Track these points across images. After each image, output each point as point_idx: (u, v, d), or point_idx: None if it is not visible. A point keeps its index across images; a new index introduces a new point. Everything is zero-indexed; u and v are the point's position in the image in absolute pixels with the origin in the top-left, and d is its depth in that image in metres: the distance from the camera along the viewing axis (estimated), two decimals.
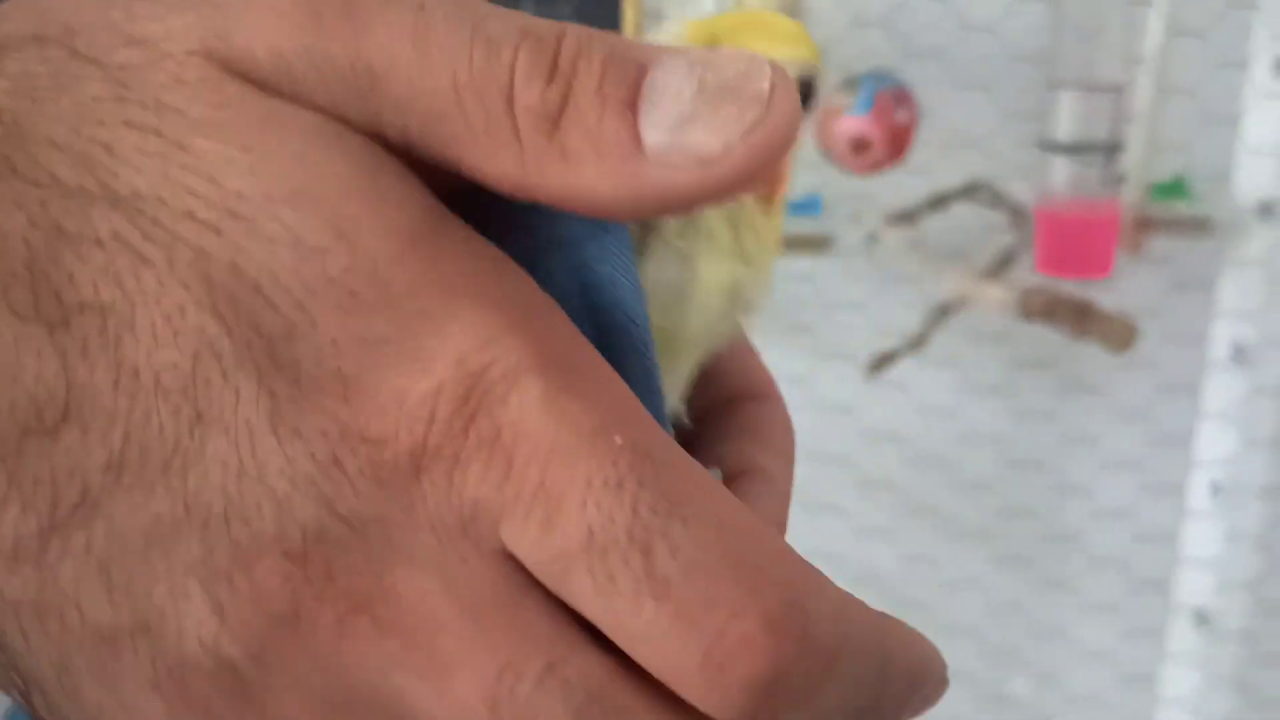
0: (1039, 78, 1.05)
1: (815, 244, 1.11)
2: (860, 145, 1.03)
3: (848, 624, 0.19)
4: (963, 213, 1.11)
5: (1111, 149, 0.98)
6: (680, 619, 0.18)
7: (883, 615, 0.21)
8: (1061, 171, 0.99)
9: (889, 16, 1.10)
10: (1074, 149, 0.98)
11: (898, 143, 1.04)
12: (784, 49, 0.26)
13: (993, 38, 1.10)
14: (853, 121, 1.03)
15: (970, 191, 1.09)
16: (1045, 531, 1.27)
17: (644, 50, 0.20)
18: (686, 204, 0.20)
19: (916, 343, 1.13)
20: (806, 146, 1.07)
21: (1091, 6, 0.99)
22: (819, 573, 0.20)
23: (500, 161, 0.19)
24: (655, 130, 0.19)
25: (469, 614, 0.18)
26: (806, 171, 1.10)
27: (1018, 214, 1.07)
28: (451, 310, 0.18)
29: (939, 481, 1.25)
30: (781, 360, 1.25)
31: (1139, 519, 1.25)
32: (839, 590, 0.20)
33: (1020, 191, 1.06)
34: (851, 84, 1.05)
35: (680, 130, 0.19)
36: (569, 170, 0.19)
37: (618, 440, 0.18)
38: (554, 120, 0.19)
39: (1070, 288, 1.02)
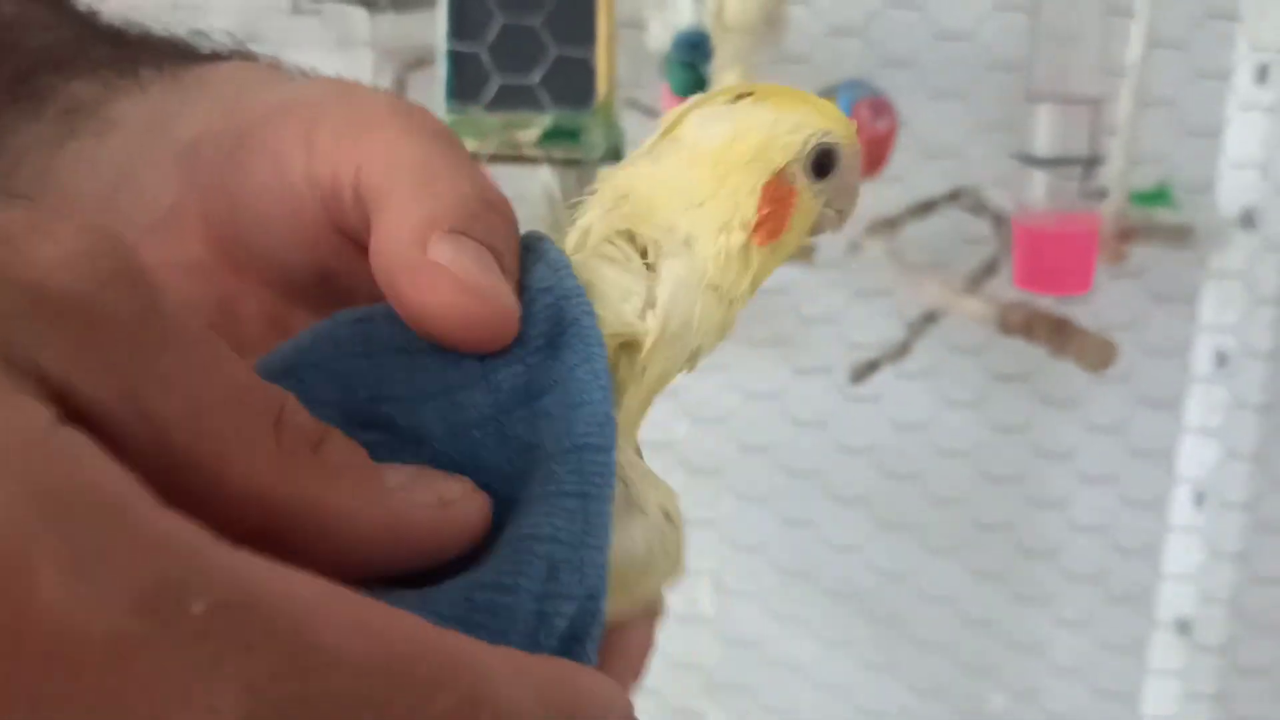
0: (1017, 87, 1.04)
1: (798, 253, 1.09)
2: None
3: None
4: (943, 222, 1.10)
5: (1090, 162, 0.97)
6: None
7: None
8: (1039, 185, 0.97)
9: (866, 25, 1.09)
10: (1052, 163, 0.97)
11: (876, 153, 1.02)
12: (814, 115, 0.28)
13: (969, 46, 1.09)
14: None
15: (954, 198, 1.08)
16: (1022, 545, 1.26)
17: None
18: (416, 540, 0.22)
19: (900, 352, 1.12)
20: None
21: (1069, 17, 0.98)
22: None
23: (257, 471, 0.20)
24: (392, 476, 0.23)
25: None
26: None
27: (1001, 221, 1.05)
28: None
29: (915, 495, 1.23)
30: (757, 373, 1.24)
31: (1117, 533, 1.24)
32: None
33: (1003, 199, 1.05)
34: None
35: (414, 484, 0.23)
36: (325, 485, 0.21)
37: None
38: (316, 443, 0.21)
39: (1049, 302, 1.00)
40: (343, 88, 0.30)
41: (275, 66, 0.33)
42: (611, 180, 0.28)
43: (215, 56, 0.34)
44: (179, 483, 0.19)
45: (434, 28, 0.93)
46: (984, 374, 1.20)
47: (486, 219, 0.26)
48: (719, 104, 0.28)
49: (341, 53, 1.07)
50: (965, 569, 1.26)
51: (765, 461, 1.23)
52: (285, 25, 1.05)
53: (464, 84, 0.94)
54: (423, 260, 0.25)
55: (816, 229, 0.30)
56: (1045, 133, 0.97)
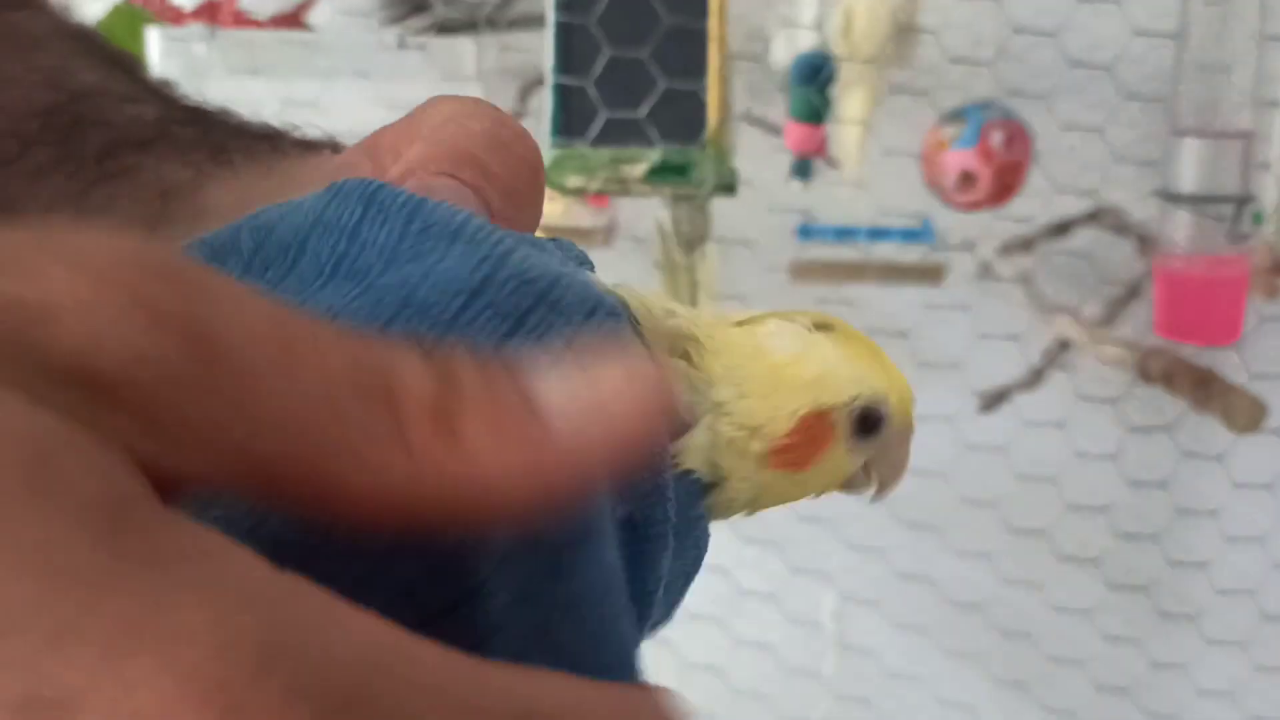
0: (1159, 120, 0.98)
1: (925, 273, 1.04)
2: (966, 179, 0.96)
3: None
4: (1079, 255, 1.04)
5: (1241, 202, 0.90)
6: None
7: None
8: (1184, 225, 0.91)
9: (996, 53, 1.03)
10: (1198, 201, 0.90)
11: (1007, 179, 0.97)
12: (876, 376, 0.28)
13: (1107, 76, 1.03)
14: (958, 156, 0.96)
15: (1094, 218, 1.02)
16: (1161, 609, 1.19)
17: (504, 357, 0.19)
18: (591, 482, 0.18)
19: (1032, 380, 1.07)
20: (915, 178, 1.01)
21: (1219, 46, 0.91)
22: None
23: (379, 467, 0.17)
24: (557, 414, 0.18)
25: None
26: (918, 198, 1.03)
27: (1145, 242, 0.99)
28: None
29: (1043, 553, 1.17)
30: None
31: (1265, 598, 1.16)
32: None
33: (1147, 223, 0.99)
34: (959, 115, 0.98)
35: (581, 413, 0.18)
36: (473, 466, 0.17)
37: None
38: (451, 414, 0.17)
39: (1194, 350, 0.93)
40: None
41: (368, 153, 0.32)
42: (687, 316, 0.28)
43: (306, 146, 0.33)
44: (296, 500, 0.16)
45: (541, 48, 0.91)
46: (1120, 424, 1.13)
47: (485, 159, 0.25)
48: (799, 324, 0.29)
49: (449, 85, 1.06)
50: (1098, 632, 1.19)
51: (881, 513, 1.18)
52: (392, 60, 1.04)
53: (570, 119, 0.92)
54: None
55: (848, 489, 0.30)
56: (1191, 169, 0.90)
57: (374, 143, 0.28)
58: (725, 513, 0.28)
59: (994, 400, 1.09)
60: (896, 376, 0.29)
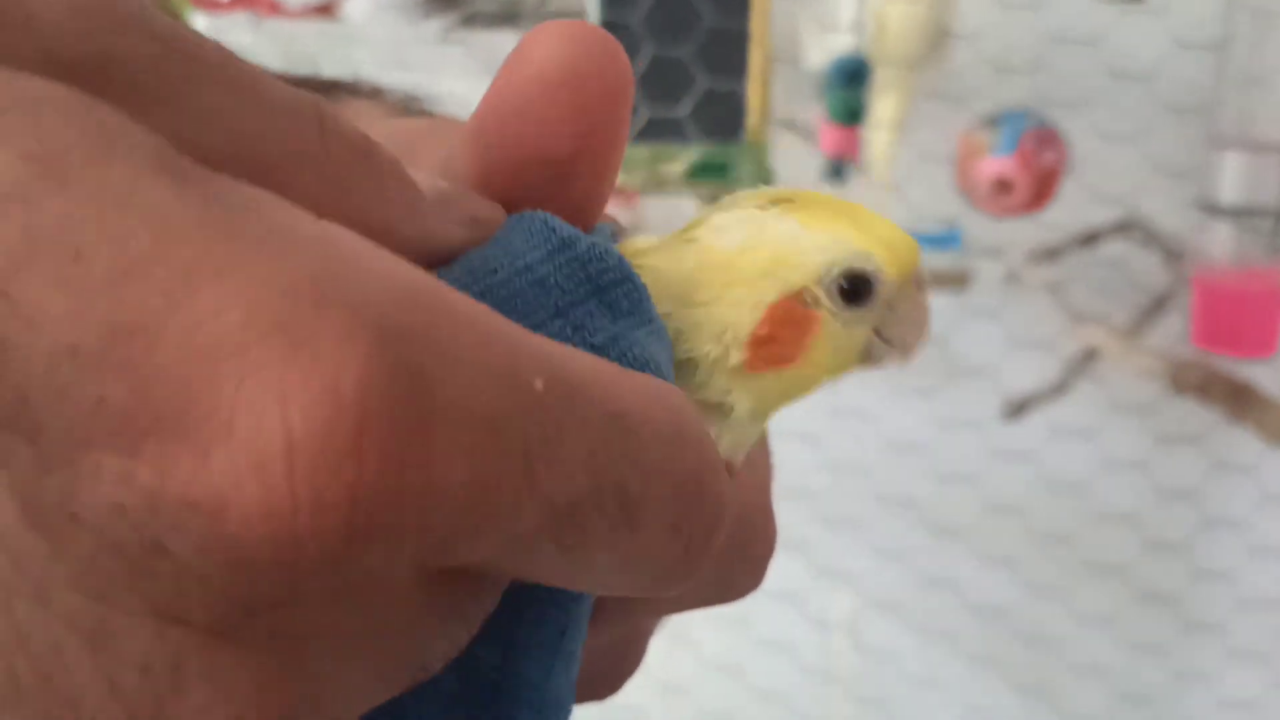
0: (1198, 131, 0.97)
1: (952, 280, 1.04)
2: (1002, 187, 0.96)
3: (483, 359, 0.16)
4: (1110, 264, 1.04)
5: None
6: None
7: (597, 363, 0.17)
8: (1223, 237, 0.90)
9: (1034, 60, 1.03)
10: (1238, 213, 0.89)
11: (1042, 187, 0.97)
12: (850, 235, 0.24)
13: (1147, 86, 1.02)
14: (995, 163, 0.96)
15: (1123, 229, 1.01)
16: (1186, 619, 1.18)
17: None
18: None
19: (1057, 390, 1.06)
20: (944, 183, 1.01)
21: (1260, 57, 0.91)
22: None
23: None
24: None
25: None
26: (948, 202, 1.03)
27: (1173, 256, 0.99)
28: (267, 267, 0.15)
29: (1069, 560, 1.17)
30: (902, 424, 1.19)
31: None
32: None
33: (1178, 232, 0.98)
34: (993, 123, 0.98)
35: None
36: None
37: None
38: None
39: (1228, 362, 0.93)
40: (432, 124, 0.30)
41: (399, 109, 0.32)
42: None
43: (337, 87, 0.33)
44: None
45: None
46: (1150, 434, 1.13)
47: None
48: (746, 208, 0.24)
49: (489, 79, 1.06)
50: (1122, 641, 1.19)
51: (908, 517, 1.18)
52: (433, 54, 1.04)
53: None
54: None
55: (870, 361, 0.25)
56: (1231, 181, 0.90)
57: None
58: (740, 441, 0.25)
59: (1018, 409, 1.08)
60: (881, 227, 0.25)
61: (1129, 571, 1.17)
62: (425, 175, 0.20)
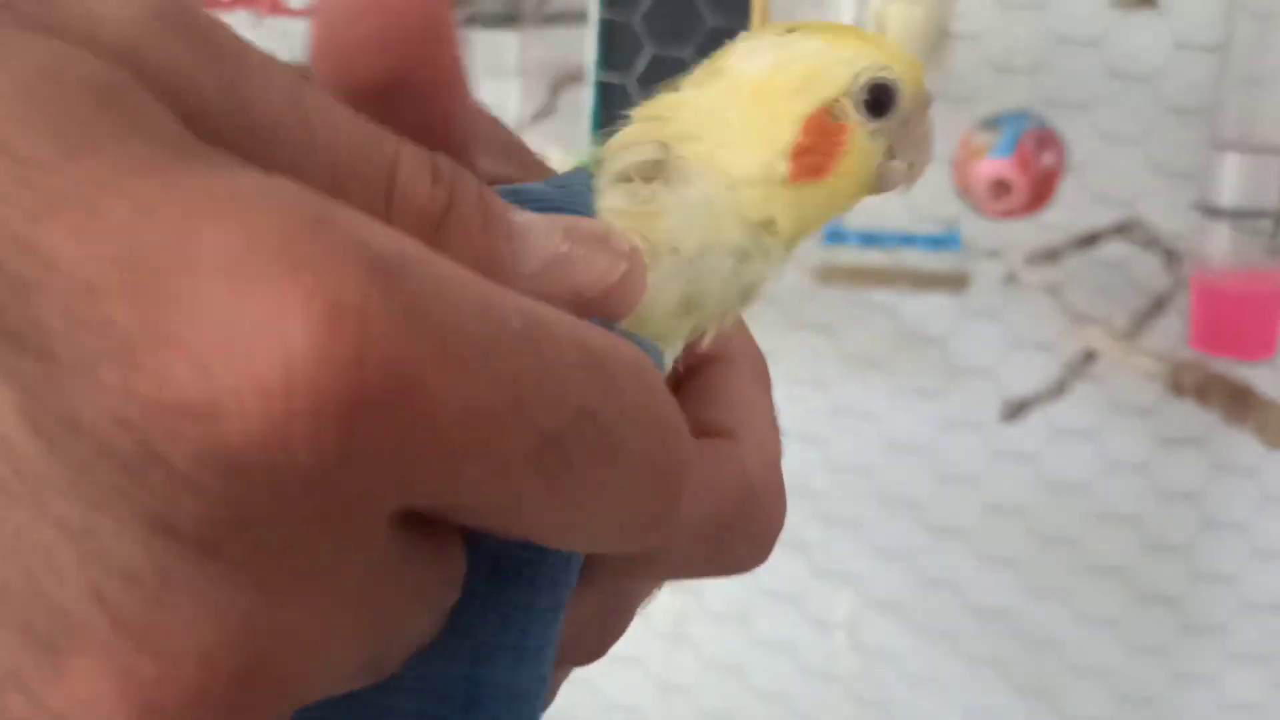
0: (1198, 133, 0.97)
1: (950, 282, 1.04)
2: (1000, 188, 0.96)
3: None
4: (1110, 265, 1.04)
5: None
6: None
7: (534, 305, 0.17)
8: (1222, 239, 0.90)
9: (1036, 62, 1.03)
10: (1238, 215, 0.90)
11: (1041, 189, 0.97)
12: (868, 49, 0.26)
13: (1147, 88, 1.02)
14: (993, 164, 0.96)
15: (1122, 231, 1.01)
16: (1186, 621, 1.18)
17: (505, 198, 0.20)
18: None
19: (1056, 391, 1.06)
20: (944, 184, 1.01)
21: (1261, 59, 0.91)
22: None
23: None
24: (531, 261, 0.19)
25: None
26: (947, 203, 1.03)
27: (1172, 257, 0.99)
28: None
29: (1069, 561, 1.17)
30: (902, 424, 1.19)
31: None
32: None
33: (1177, 234, 0.98)
34: (993, 124, 0.98)
35: (557, 265, 0.19)
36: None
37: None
38: (435, 223, 0.18)
39: (1228, 364, 0.93)
40: None
41: None
42: (650, 107, 0.26)
43: None
44: None
45: (582, 44, 0.91)
46: (1150, 436, 1.13)
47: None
48: (767, 36, 0.26)
49: (491, 80, 1.06)
50: (1122, 643, 1.19)
51: (908, 517, 1.18)
52: None
53: (611, 115, 0.91)
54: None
55: (882, 183, 0.27)
56: (1231, 183, 0.90)
57: None
58: (776, 268, 0.25)
59: (1016, 410, 1.08)
60: (888, 44, 0.26)
61: (1129, 573, 1.17)
62: (535, 241, 0.20)
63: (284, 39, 0.99)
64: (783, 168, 0.25)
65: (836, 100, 0.25)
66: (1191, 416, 1.05)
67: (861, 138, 0.25)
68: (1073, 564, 1.17)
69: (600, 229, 0.20)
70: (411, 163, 0.18)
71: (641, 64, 0.90)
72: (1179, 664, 1.19)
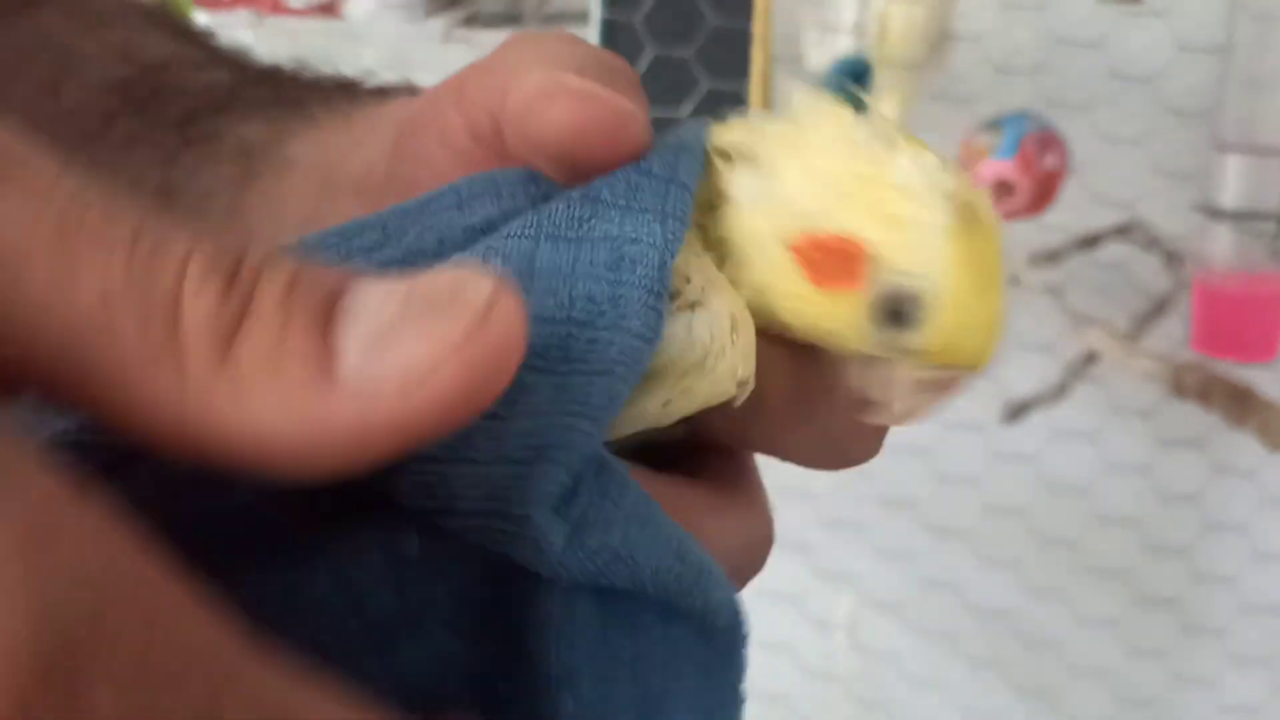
0: (1200, 135, 0.97)
1: None
2: (1003, 189, 0.96)
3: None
4: (1112, 267, 1.04)
5: None
6: None
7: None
8: (1224, 241, 0.90)
9: (1037, 63, 1.03)
10: (1240, 217, 0.89)
11: (1043, 190, 0.97)
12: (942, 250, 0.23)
13: (1149, 89, 1.02)
14: (996, 165, 0.96)
15: (1123, 232, 1.01)
16: (1186, 623, 1.18)
17: (341, 271, 0.16)
18: (387, 443, 0.15)
19: (1056, 393, 1.06)
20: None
21: (1263, 61, 0.91)
22: None
23: (153, 394, 0.15)
24: (351, 351, 0.15)
25: None
26: None
27: (1174, 258, 0.99)
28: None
29: (1069, 563, 1.17)
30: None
31: None
32: None
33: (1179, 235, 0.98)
34: (996, 125, 0.98)
35: (380, 348, 0.15)
36: (239, 403, 0.15)
37: None
38: (227, 339, 0.15)
39: (1229, 366, 0.93)
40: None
41: (455, 101, 0.32)
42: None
43: (382, 93, 0.33)
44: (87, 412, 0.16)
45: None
46: (1150, 438, 1.13)
47: (609, 69, 0.26)
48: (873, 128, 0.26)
49: None
50: (1122, 644, 1.19)
51: (908, 518, 1.18)
52: (437, 53, 1.04)
53: None
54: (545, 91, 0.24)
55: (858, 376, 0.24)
56: (1233, 185, 0.90)
57: (459, 89, 0.27)
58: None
59: (1016, 411, 1.08)
60: (982, 284, 0.22)
61: (1129, 575, 1.17)
62: (356, 321, 0.16)
63: (278, 39, 0.99)
64: (790, 237, 0.23)
65: (872, 258, 0.23)
66: (1192, 418, 1.05)
67: (861, 312, 0.23)
68: (1073, 565, 1.17)
69: (447, 285, 0.16)
70: (200, 271, 0.15)
71: (643, 64, 0.90)
72: (1179, 665, 1.19)
